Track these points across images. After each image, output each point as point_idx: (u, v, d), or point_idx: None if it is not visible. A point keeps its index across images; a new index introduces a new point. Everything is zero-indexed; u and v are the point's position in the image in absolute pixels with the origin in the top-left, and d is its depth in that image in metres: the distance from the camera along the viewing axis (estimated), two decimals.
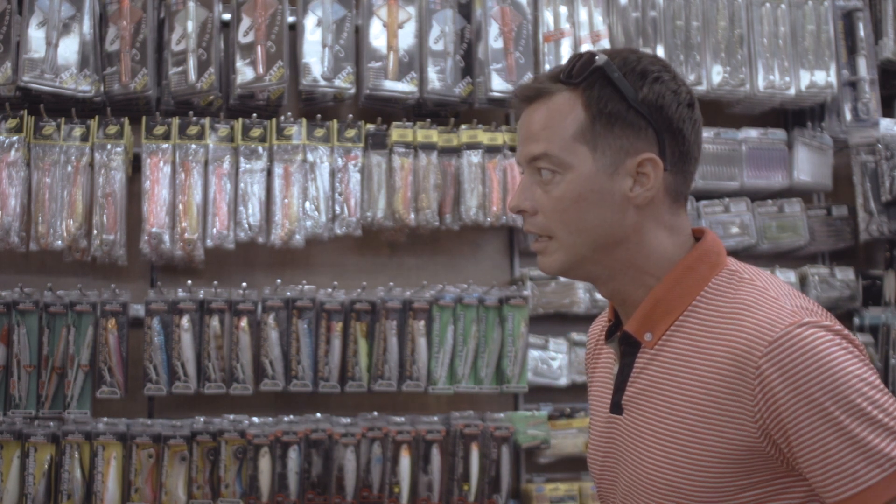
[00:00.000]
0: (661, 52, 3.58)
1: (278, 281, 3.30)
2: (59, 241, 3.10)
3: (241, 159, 3.27)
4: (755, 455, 1.28)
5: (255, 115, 3.37)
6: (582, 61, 1.37)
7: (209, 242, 3.20)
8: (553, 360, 3.47)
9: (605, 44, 3.56)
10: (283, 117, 3.36)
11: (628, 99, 1.35)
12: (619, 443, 1.43)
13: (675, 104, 1.37)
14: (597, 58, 1.37)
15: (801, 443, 1.24)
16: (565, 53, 3.53)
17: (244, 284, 3.28)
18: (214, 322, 3.18)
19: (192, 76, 3.24)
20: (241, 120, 3.31)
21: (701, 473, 1.30)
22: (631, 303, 1.42)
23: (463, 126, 3.44)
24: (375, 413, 3.29)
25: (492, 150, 3.43)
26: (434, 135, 3.41)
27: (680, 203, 1.42)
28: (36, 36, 3.16)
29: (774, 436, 1.26)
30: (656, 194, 1.38)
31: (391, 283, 3.39)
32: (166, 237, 3.17)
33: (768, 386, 1.25)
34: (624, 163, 1.36)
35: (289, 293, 3.24)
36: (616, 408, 1.43)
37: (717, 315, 1.34)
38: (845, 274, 3.68)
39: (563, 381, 3.47)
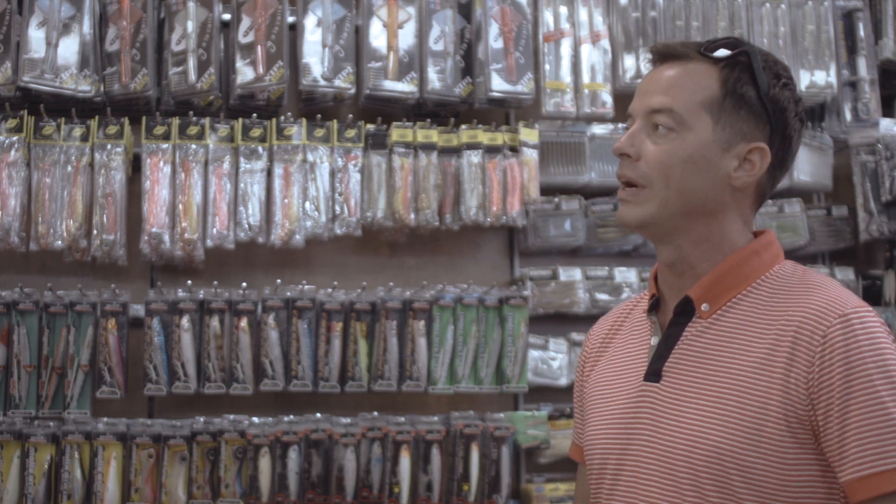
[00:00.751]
0: None
1: (278, 281, 3.30)
2: (59, 241, 3.10)
3: (241, 159, 3.27)
4: (799, 425, 1.32)
5: (255, 115, 3.37)
6: (730, 42, 1.46)
7: (209, 242, 3.20)
8: (553, 360, 3.47)
9: (605, 44, 3.57)
10: (283, 117, 3.36)
11: (760, 90, 1.43)
12: (654, 411, 1.43)
13: (793, 113, 1.46)
14: (745, 44, 1.45)
15: (842, 413, 1.29)
16: (565, 53, 3.53)
17: (244, 284, 3.28)
18: (214, 322, 3.18)
19: (192, 76, 3.24)
20: (241, 120, 3.31)
21: (747, 436, 1.33)
22: (692, 274, 1.46)
23: (463, 126, 3.44)
24: (375, 413, 3.29)
25: (492, 150, 3.43)
26: (434, 135, 3.41)
27: (759, 204, 1.51)
28: (36, 36, 3.16)
29: (817, 404, 1.31)
30: (752, 184, 1.45)
31: (391, 283, 3.39)
32: (166, 237, 3.17)
33: (831, 352, 1.31)
34: (738, 144, 1.43)
35: (289, 293, 3.24)
36: (654, 376, 1.45)
37: (784, 292, 1.41)
38: (845, 274, 3.68)
39: (563, 381, 3.47)
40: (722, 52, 1.44)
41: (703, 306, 1.44)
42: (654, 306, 1.52)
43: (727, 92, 1.43)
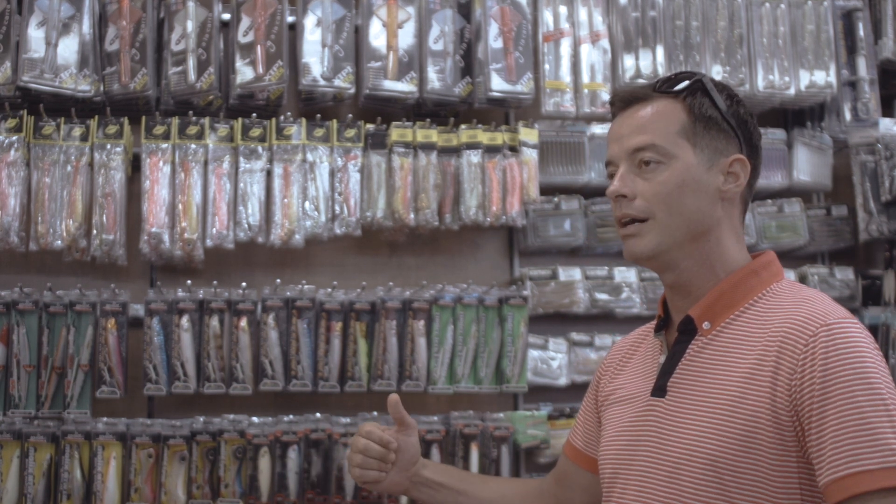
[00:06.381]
0: (660, 52, 3.58)
1: (278, 281, 3.30)
2: (59, 241, 3.10)
3: (241, 159, 3.27)
4: (785, 431, 1.40)
5: (254, 115, 3.36)
6: (683, 75, 1.61)
7: (209, 242, 3.20)
8: (553, 360, 3.47)
9: (605, 44, 3.57)
10: (282, 117, 3.36)
11: (721, 110, 1.57)
12: (659, 423, 1.53)
13: (752, 125, 1.61)
14: (697, 74, 1.61)
15: (821, 417, 1.36)
16: (565, 53, 3.53)
17: (244, 284, 3.28)
18: (214, 322, 3.18)
19: (192, 76, 3.24)
20: (240, 120, 3.31)
21: (740, 444, 1.41)
22: (695, 295, 1.57)
23: (462, 126, 3.44)
24: (375, 413, 3.28)
25: (491, 150, 3.43)
26: (434, 135, 3.41)
27: (744, 214, 1.63)
28: (35, 36, 3.16)
29: (800, 410, 1.38)
30: (740, 193, 1.58)
31: (391, 283, 3.39)
32: (166, 237, 3.17)
33: (812, 360, 1.38)
34: (718, 161, 1.56)
35: (288, 293, 3.24)
36: (659, 391, 1.54)
37: (777, 307, 1.50)
38: (845, 274, 3.68)
39: (562, 381, 3.47)
40: (680, 86, 1.58)
41: (705, 324, 1.54)
42: (663, 327, 1.63)
43: (696, 118, 1.56)
